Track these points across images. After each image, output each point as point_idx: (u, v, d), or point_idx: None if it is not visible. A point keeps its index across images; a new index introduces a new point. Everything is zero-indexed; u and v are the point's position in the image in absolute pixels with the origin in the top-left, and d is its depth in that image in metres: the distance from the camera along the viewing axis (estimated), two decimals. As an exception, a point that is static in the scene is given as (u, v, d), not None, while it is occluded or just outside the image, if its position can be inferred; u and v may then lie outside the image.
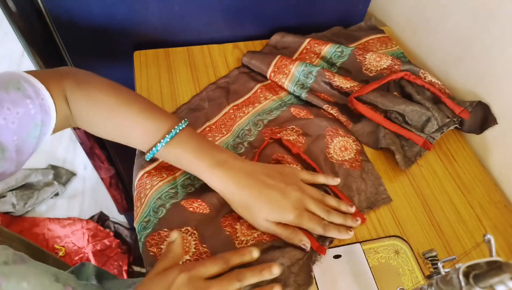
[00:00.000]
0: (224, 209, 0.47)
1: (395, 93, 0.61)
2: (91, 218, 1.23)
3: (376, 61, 0.65)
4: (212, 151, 0.45)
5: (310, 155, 0.53)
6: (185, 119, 0.46)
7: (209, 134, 0.55)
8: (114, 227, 1.24)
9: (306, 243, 0.43)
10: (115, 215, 1.27)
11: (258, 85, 0.63)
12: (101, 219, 1.24)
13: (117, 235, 1.23)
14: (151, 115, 0.45)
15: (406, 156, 0.54)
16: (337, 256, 0.44)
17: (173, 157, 0.45)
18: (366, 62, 0.65)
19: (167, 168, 0.50)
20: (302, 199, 0.44)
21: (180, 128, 0.45)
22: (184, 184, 0.49)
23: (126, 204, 1.15)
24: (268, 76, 0.63)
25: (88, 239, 1.17)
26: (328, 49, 0.67)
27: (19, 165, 0.39)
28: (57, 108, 0.41)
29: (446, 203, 0.51)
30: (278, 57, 0.64)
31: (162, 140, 0.44)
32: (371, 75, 0.65)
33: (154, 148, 0.44)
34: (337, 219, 0.45)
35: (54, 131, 0.43)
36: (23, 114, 0.37)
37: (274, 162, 0.50)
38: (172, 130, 0.44)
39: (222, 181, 0.43)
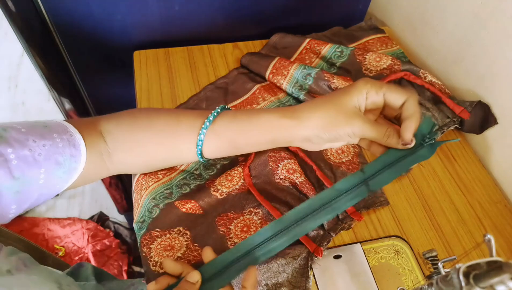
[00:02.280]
0: (217, 209, 0.47)
1: None
2: (91, 218, 1.23)
3: (376, 61, 0.65)
4: (264, 109, 0.42)
5: (308, 155, 0.53)
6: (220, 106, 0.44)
7: None
8: (114, 227, 1.24)
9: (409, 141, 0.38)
10: (115, 215, 1.26)
11: (257, 86, 0.63)
12: (101, 219, 1.24)
13: (117, 235, 1.23)
14: (188, 113, 0.44)
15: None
16: (337, 256, 0.44)
17: (224, 131, 0.42)
18: (366, 62, 0.65)
19: (162, 169, 0.51)
20: None
21: (218, 109, 0.43)
22: (179, 184, 0.49)
23: (126, 204, 1.15)
24: (266, 77, 0.63)
25: (88, 239, 1.17)
26: (327, 49, 0.67)
27: (43, 199, 0.37)
28: (88, 143, 0.40)
29: (446, 203, 0.51)
30: (277, 58, 0.64)
31: (206, 120, 0.41)
32: (371, 75, 0.65)
33: (201, 131, 0.41)
34: None
35: (87, 179, 0.41)
36: (50, 146, 0.36)
37: (270, 160, 0.50)
38: (213, 111, 0.42)
39: (309, 118, 0.39)
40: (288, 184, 0.50)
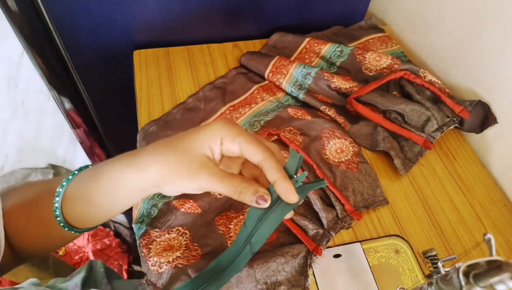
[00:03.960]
0: (216, 209, 0.47)
1: (395, 93, 0.61)
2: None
3: (376, 60, 0.65)
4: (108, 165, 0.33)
5: (307, 153, 0.53)
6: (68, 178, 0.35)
7: None
8: (114, 226, 1.24)
9: (265, 195, 0.31)
10: (115, 215, 1.27)
11: (256, 86, 0.63)
12: (101, 218, 1.24)
13: (117, 234, 1.23)
14: (48, 182, 0.36)
15: (407, 157, 0.54)
16: (337, 255, 0.44)
17: (85, 184, 0.34)
18: (365, 62, 0.65)
19: None
20: None
21: (70, 177, 0.35)
22: None
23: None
24: (266, 76, 0.63)
25: (88, 239, 1.17)
26: (327, 49, 0.67)
27: None
28: None
29: (446, 203, 0.51)
30: (276, 58, 0.64)
31: (64, 182, 0.34)
32: (371, 74, 0.65)
33: (57, 197, 0.33)
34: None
35: None
36: None
37: None
38: (64, 180, 0.34)
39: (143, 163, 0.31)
40: None
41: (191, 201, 0.47)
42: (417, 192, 0.52)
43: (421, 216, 0.49)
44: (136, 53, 0.67)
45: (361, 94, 0.59)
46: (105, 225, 1.24)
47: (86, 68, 0.73)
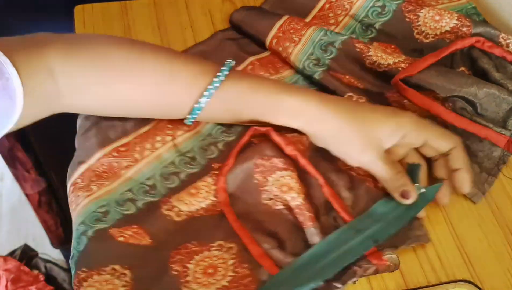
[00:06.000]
0: (175, 238, 0.47)
1: (462, 69, 0.61)
2: (11, 254, 1.23)
3: (435, 20, 0.65)
4: (284, 82, 0.55)
5: (314, 163, 0.52)
6: (230, 60, 0.52)
7: (168, 131, 0.55)
8: (45, 267, 1.24)
9: (412, 192, 0.48)
10: (47, 250, 1.26)
11: (250, 59, 0.63)
12: (26, 255, 1.24)
13: (50, 278, 1.23)
14: (188, 60, 0.51)
15: (483, 167, 0.54)
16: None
17: (235, 97, 0.50)
18: (419, 23, 0.65)
19: (99, 176, 0.51)
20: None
21: (231, 64, 0.51)
22: (121, 200, 0.49)
23: (62, 232, 1.15)
24: (267, 42, 0.63)
25: (6, 286, 1.17)
26: (362, 3, 0.67)
27: None
28: (29, 89, 0.42)
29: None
30: (285, 17, 0.64)
31: (215, 78, 0.48)
32: (427, 41, 0.65)
33: (206, 92, 0.48)
34: None
35: (24, 122, 0.45)
36: None
37: (257, 170, 0.50)
38: (224, 67, 0.50)
39: (318, 105, 0.50)
40: (280, 207, 0.49)
41: (134, 226, 0.47)
42: (497, 216, 0.52)
43: (502, 251, 0.49)
44: (78, 9, 0.67)
45: (412, 73, 0.58)
46: (32, 265, 1.24)
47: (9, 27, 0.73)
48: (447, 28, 0.64)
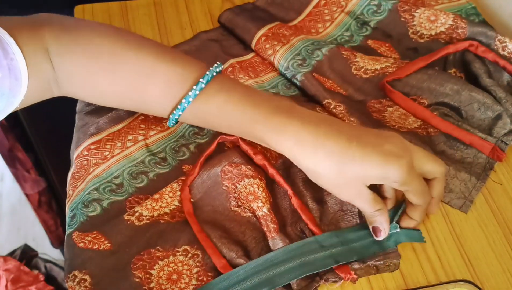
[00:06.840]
0: (138, 242, 0.47)
1: (454, 70, 0.61)
2: (11, 254, 1.23)
3: (430, 21, 0.65)
4: (269, 97, 0.49)
5: (284, 173, 0.52)
6: (219, 63, 0.49)
7: (141, 131, 0.55)
8: (45, 267, 1.24)
9: (383, 232, 0.47)
10: (47, 250, 1.27)
11: (231, 61, 0.63)
12: (26, 255, 1.24)
13: (50, 278, 1.23)
14: (172, 60, 0.48)
15: (473, 171, 0.53)
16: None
17: (213, 110, 0.47)
18: (414, 23, 0.65)
19: (74, 178, 0.52)
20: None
21: (217, 70, 0.48)
22: (87, 200, 0.49)
23: (62, 232, 1.15)
24: (255, 39, 0.63)
25: (6, 286, 1.17)
26: (358, 1, 0.67)
27: None
28: (32, 69, 0.43)
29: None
30: (276, 23, 0.64)
31: (195, 87, 0.46)
32: (422, 41, 0.65)
33: (183, 100, 0.46)
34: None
35: (28, 102, 0.45)
36: None
37: (224, 177, 0.50)
38: (208, 72, 0.47)
39: (297, 132, 0.45)
40: (249, 214, 0.49)
41: (94, 232, 0.47)
42: (497, 216, 0.52)
43: (502, 251, 0.49)
44: (79, 9, 0.67)
45: (401, 76, 0.58)
46: (32, 265, 1.24)
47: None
48: (442, 29, 0.64)
